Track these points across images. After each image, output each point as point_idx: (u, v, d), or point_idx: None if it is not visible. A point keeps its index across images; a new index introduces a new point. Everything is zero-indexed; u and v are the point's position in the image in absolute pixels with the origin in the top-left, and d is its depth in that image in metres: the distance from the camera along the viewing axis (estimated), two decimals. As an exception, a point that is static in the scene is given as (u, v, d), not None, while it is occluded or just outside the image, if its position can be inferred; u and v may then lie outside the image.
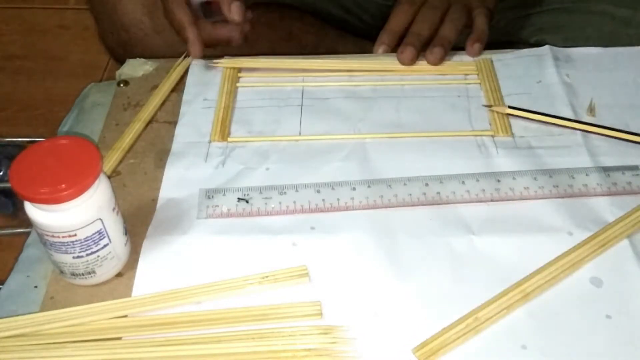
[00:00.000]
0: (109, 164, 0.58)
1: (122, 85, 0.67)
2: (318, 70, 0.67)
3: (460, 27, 0.67)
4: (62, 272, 0.49)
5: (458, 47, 0.68)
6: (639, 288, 0.49)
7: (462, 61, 0.68)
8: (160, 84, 0.65)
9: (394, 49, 0.67)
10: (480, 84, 0.66)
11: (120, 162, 0.59)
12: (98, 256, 0.48)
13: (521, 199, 0.55)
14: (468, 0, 0.69)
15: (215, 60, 0.67)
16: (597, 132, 0.60)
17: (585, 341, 0.46)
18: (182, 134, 0.62)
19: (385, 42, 0.67)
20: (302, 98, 0.65)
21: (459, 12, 0.67)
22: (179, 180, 0.57)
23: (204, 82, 0.66)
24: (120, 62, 0.70)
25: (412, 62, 0.66)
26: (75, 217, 0.46)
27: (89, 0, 0.82)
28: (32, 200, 0.45)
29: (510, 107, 0.61)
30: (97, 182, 0.46)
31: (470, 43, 0.68)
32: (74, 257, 0.47)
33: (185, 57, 0.68)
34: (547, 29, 0.77)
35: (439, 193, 0.55)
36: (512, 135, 0.60)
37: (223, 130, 0.61)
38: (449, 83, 0.66)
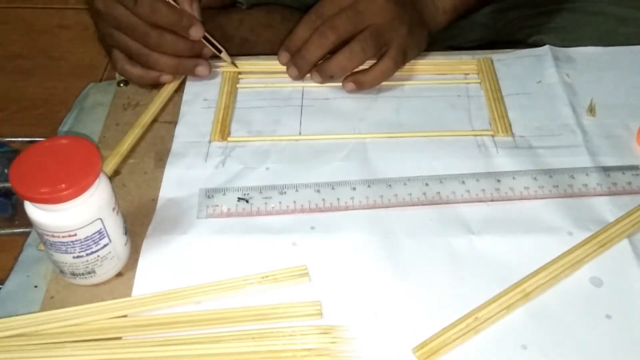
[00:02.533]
0: (109, 167, 0.58)
1: (122, 85, 0.67)
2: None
3: (359, 60, 0.62)
4: (62, 272, 0.49)
5: (458, 47, 0.68)
6: (639, 288, 0.49)
7: (462, 60, 0.68)
8: (162, 87, 0.65)
9: None
10: (480, 83, 0.66)
11: (120, 165, 0.59)
12: (98, 256, 0.48)
13: (521, 199, 0.55)
14: (382, 32, 0.61)
15: (216, 64, 0.67)
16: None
17: (585, 341, 0.46)
18: (182, 133, 0.62)
19: (284, 54, 0.65)
20: (302, 98, 0.65)
21: (364, 42, 0.61)
22: (179, 180, 0.57)
23: (204, 82, 0.66)
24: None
25: (298, 78, 0.65)
26: (75, 216, 0.46)
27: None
28: (32, 200, 0.45)
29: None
30: (97, 182, 0.46)
31: (347, 78, 0.63)
32: (74, 257, 0.47)
33: None
34: (545, 29, 0.77)
35: (439, 193, 0.55)
36: (512, 135, 0.60)
37: (223, 130, 0.61)
38: (449, 83, 0.66)
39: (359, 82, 0.64)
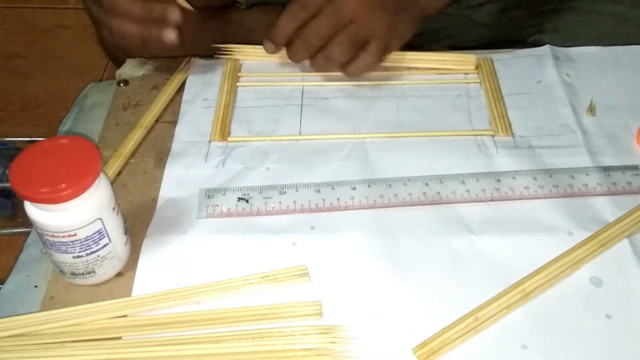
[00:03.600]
0: (112, 169, 0.58)
1: (122, 85, 0.67)
2: (318, 70, 0.67)
3: (338, 62, 0.62)
4: (62, 271, 0.49)
5: (458, 47, 0.68)
6: (639, 288, 0.49)
7: (462, 60, 0.68)
8: (163, 89, 0.65)
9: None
10: (480, 83, 0.66)
11: (123, 167, 0.59)
12: (98, 256, 0.48)
13: (521, 198, 0.55)
14: (361, 30, 0.61)
15: (218, 53, 0.67)
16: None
17: (585, 341, 0.46)
18: (182, 133, 0.62)
19: (268, 45, 0.63)
20: (302, 98, 0.65)
21: (340, 45, 0.61)
22: (179, 180, 0.57)
23: (204, 81, 0.66)
24: (119, 65, 0.69)
25: (301, 61, 0.64)
26: (75, 216, 0.46)
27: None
28: (32, 200, 0.45)
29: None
30: (97, 181, 0.46)
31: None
32: (74, 257, 0.47)
33: (187, 62, 0.68)
34: (545, 28, 0.77)
35: (439, 193, 0.55)
36: (512, 134, 0.60)
37: (223, 130, 0.61)
38: (449, 82, 0.66)
39: (344, 72, 0.64)
